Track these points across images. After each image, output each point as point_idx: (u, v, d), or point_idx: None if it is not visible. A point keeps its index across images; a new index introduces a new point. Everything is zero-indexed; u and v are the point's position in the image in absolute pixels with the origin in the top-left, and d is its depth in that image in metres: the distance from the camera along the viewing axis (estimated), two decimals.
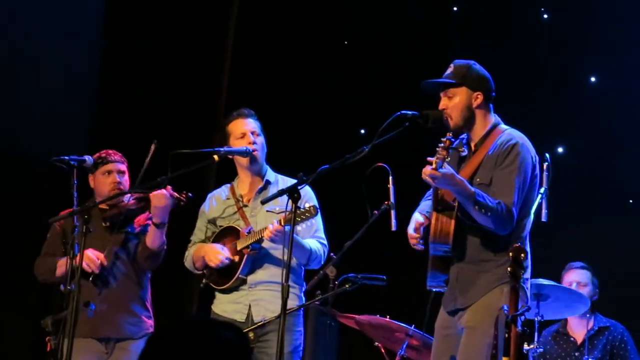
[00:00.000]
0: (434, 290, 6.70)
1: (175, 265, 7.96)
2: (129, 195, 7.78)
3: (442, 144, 6.28)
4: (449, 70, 6.69)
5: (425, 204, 6.82)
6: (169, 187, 7.58)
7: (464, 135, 6.68)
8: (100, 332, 7.78)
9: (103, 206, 7.84)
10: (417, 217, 6.68)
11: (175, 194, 7.60)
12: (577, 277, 8.54)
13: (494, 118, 6.73)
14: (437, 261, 6.62)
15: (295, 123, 9.79)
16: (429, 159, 6.27)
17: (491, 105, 6.73)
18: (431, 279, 6.64)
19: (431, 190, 6.72)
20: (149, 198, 7.63)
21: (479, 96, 6.64)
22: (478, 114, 6.67)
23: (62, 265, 7.70)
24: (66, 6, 10.90)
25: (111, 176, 7.85)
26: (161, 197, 7.56)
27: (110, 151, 7.92)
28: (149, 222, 7.76)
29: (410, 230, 6.63)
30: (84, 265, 7.41)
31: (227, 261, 7.38)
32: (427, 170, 6.26)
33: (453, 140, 6.40)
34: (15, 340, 9.56)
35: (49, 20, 10.74)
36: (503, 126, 6.71)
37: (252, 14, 11.18)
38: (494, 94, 6.72)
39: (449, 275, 6.61)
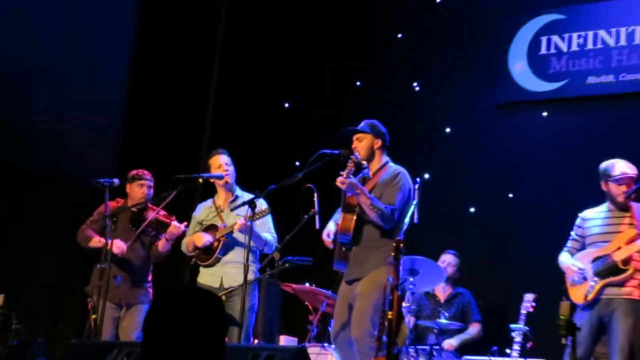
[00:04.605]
0: (339, 271, 6.75)
1: (175, 251, 7.98)
2: (156, 211, 7.73)
3: (350, 161, 6.45)
4: (362, 124, 6.78)
5: (338, 216, 6.85)
6: (185, 222, 7.67)
7: (365, 165, 6.74)
8: (122, 299, 7.77)
9: (134, 210, 7.84)
10: (330, 227, 6.73)
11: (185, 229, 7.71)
12: (449, 259, 8.54)
13: (386, 158, 6.79)
14: (341, 251, 6.65)
15: (255, 158, 9.68)
16: (341, 172, 6.39)
17: (385, 150, 6.79)
18: (336, 264, 6.68)
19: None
20: (170, 224, 7.67)
21: (378, 142, 6.72)
22: (377, 153, 6.75)
23: (94, 242, 7.67)
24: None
25: (143, 189, 7.85)
26: (179, 228, 7.64)
27: (144, 171, 7.93)
28: (161, 236, 7.82)
29: (325, 236, 6.70)
30: (114, 249, 7.42)
31: (209, 242, 7.42)
32: (339, 179, 6.37)
33: (358, 158, 6.54)
34: (69, 301, 9.49)
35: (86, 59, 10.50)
36: (391, 164, 6.78)
37: (229, 84, 11.08)
38: (388, 143, 6.79)
39: (349, 261, 6.63)
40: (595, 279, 6.44)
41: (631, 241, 6.40)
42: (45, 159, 9.90)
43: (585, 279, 6.52)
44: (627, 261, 6.39)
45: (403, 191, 6.60)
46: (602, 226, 6.61)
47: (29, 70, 9.90)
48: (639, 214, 6.43)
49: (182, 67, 10.83)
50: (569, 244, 6.78)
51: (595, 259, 6.50)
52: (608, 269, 6.44)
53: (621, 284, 6.40)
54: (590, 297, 6.45)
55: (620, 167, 6.62)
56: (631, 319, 6.28)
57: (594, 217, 6.69)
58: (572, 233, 6.80)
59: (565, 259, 6.71)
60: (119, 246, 7.53)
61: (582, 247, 6.68)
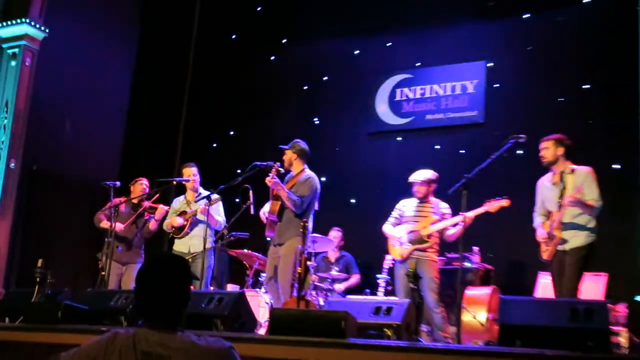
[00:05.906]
0: (269, 237, 6.76)
1: (159, 231, 7.95)
2: (148, 202, 7.76)
3: (274, 168, 6.45)
4: (290, 143, 6.77)
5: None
6: (168, 207, 7.61)
7: (283, 171, 6.75)
8: (123, 260, 7.71)
9: (134, 201, 7.81)
10: (265, 209, 6.74)
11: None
12: (336, 235, 8.51)
13: (304, 166, 6.76)
14: (272, 224, 6.66)
15: (211, 167, 9.55)
16: (269, 173, 6.43)
17: (305, 159, 6.75)
18: (267, 232, 6.69)
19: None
20: (157, 208, 7.65)
21: (294, 155, 6.71)
22: (295, 162, 6.72)
23: (103, 224, 7.63)
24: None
25: (142, 187, 7.86)
26: (163, 209, 7.63)
27: (143, 177, 7.93)
28: (151, 217, 7.78)
29: (261, 214, 6.74)
30: (117, 228, 7.40)
31: (182, 224, 7.38)
32: (267, 179, 6.43)
33: (279, 166, 6.54)
34: (86, 263, 9.34)
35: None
36: (307, 169, 6.77)
37: (194, 118, 10.83)
38: (308, 154, 6.78)
39: (275, 231, 6.67)
40: (409, 244, 6.68)
41: (433, 223, 6.66)
42: (68, 167, 9.77)
43: (401, 244, 6.72)
44: (429, 236, 6.66)
45: (311, 189, 6.61)
46: (415, 211, 6.76)
47: (59, 106, 9.76)
48: (436, 206, 6.72)
49: (163, 107, 10.72)
50: (391, 219, 6.85)
51: (410, 232, 6.72)
52: (417, 239, 6.66)
53: (425, 250, 6.65)
54: (405, 255, 6.66)
55: (412, 176, 6.85)
56: (433, 270, 6.56)
57: (409, 205, 6.84)
58: (393, 212, 6.90)
59: (389, 229, 6.82)
60: (118, 226, 7.51)
61: (399, 223, 6.82)
